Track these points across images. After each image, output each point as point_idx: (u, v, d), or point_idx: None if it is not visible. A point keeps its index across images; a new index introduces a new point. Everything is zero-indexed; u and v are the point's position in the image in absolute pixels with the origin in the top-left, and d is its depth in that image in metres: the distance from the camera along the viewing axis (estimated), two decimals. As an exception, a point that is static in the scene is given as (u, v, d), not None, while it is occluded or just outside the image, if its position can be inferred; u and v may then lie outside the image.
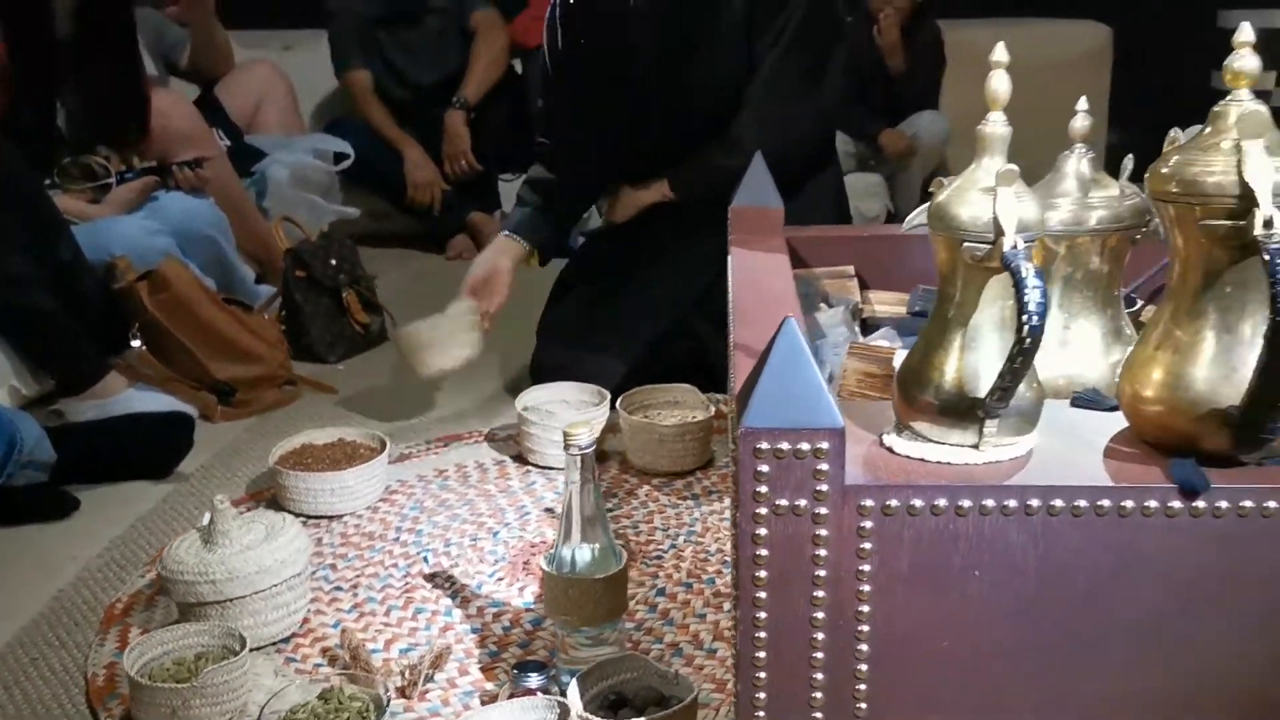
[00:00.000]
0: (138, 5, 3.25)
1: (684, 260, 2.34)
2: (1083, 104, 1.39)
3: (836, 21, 2.33)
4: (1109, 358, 1.31)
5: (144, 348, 2.37)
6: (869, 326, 1.71)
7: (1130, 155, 1.40)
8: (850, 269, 1.89)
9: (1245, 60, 1.00)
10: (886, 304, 1.79)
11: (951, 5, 4.12)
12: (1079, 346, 1.33)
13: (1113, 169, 1.40)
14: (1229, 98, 1.02)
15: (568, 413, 2.09)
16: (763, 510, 1.00)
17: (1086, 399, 1.19)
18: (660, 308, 2.34)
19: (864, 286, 1.87)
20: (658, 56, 2.29)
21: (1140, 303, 1.57)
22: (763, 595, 1.01)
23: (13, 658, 1.52)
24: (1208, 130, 1.02)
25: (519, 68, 3.97)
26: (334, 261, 2.78)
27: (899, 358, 1.28)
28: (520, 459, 2.08)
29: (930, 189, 1.13)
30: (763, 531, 1.00)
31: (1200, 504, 0.98)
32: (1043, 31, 4.18)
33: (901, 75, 3.87)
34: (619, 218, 2.47)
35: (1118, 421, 1.11)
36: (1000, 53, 1.05)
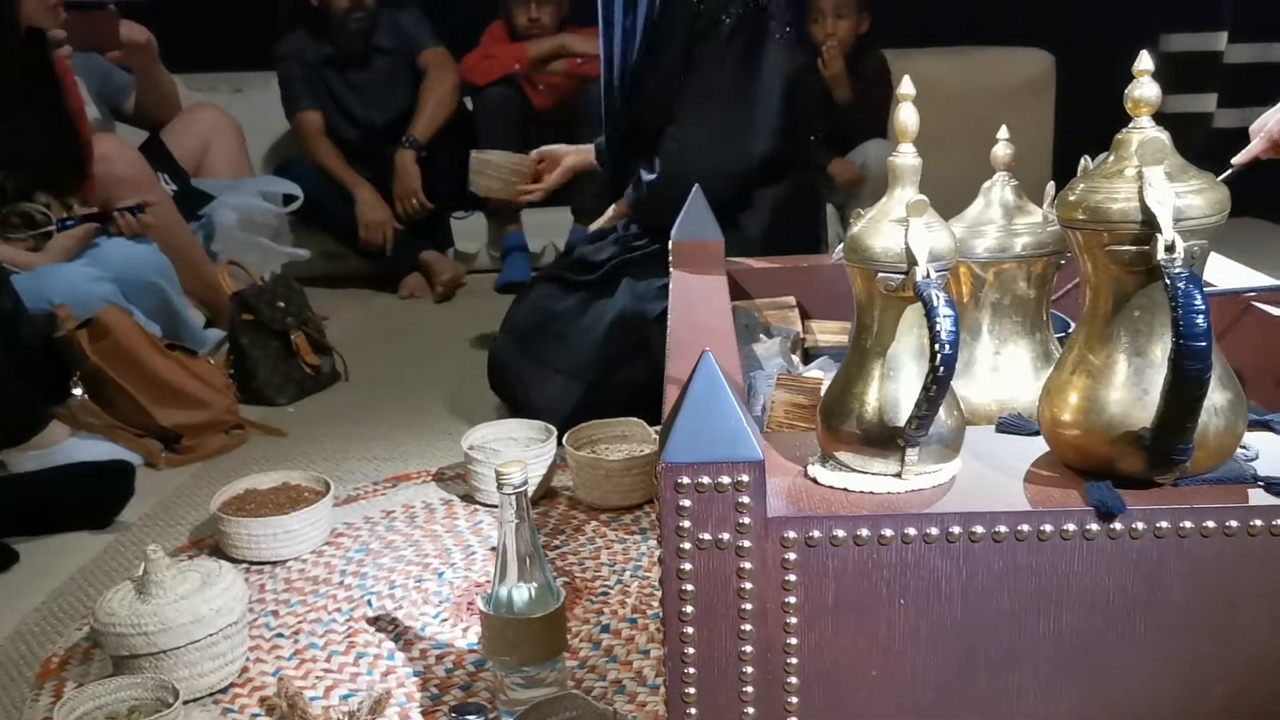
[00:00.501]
0: (81, 51, 3.25)
1: (638, 284, 2.35)
2: (1003, 132, 1.41)
3: (767, 57, 2.35)
4: (1039, 381, 1.32)
5: (86, 396, 2.36)
6: (810, 356, 1.72)
7: (1052, 182, 1.42)
8: (791, 299, 1.91)
9: (1145, 88, 1.03)
10: (829, 333, 1.81)
11: (898, 35, 4.16)
12: (1009, 371, 1.34)
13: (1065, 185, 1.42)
14: (1131, 125, 1.04)
15: (514, 449, 2.09)
16: (686, 545, 1.00)
17: (1010, 424, 1.20)
18: (615, 332, 2.35)
19: (806, 316, 1.88)
20: (627, 74, 2.37)
21: (1073, 326, 1.59)
22: (690, 630, 1.02)
23: (-53, 716, 1.50)
24: (1111, 158, 1.04)
25: (469, 105, 3.98)
26: (281, 304, 2.77)
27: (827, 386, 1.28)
28: (468, 498, 2.07)
29: (853, 219, 1.15)
30: (687, 566, 1.00)
31: (1117, 526, 0.99)
32: (987, 59, 4.23)
33: (848, 105, 3.90)
34: (595, 225, 2.57)
35: (1039, 446, 1.13)
36: (906, 86, 1.07)
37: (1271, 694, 1.03)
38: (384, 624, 1.66)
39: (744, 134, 2.34)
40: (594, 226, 2.58)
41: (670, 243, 2.02)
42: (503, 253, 3.92)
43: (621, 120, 2.44)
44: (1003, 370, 1.34)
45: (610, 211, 2.53)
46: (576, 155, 2.75)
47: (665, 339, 2.30)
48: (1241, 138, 1.61)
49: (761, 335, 1.75)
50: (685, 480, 0.99)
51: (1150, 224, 0.97)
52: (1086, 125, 4.09)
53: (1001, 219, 1.35)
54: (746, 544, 1.00)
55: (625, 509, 1.99)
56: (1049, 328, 1.39)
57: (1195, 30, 4.45)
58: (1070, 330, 1.53)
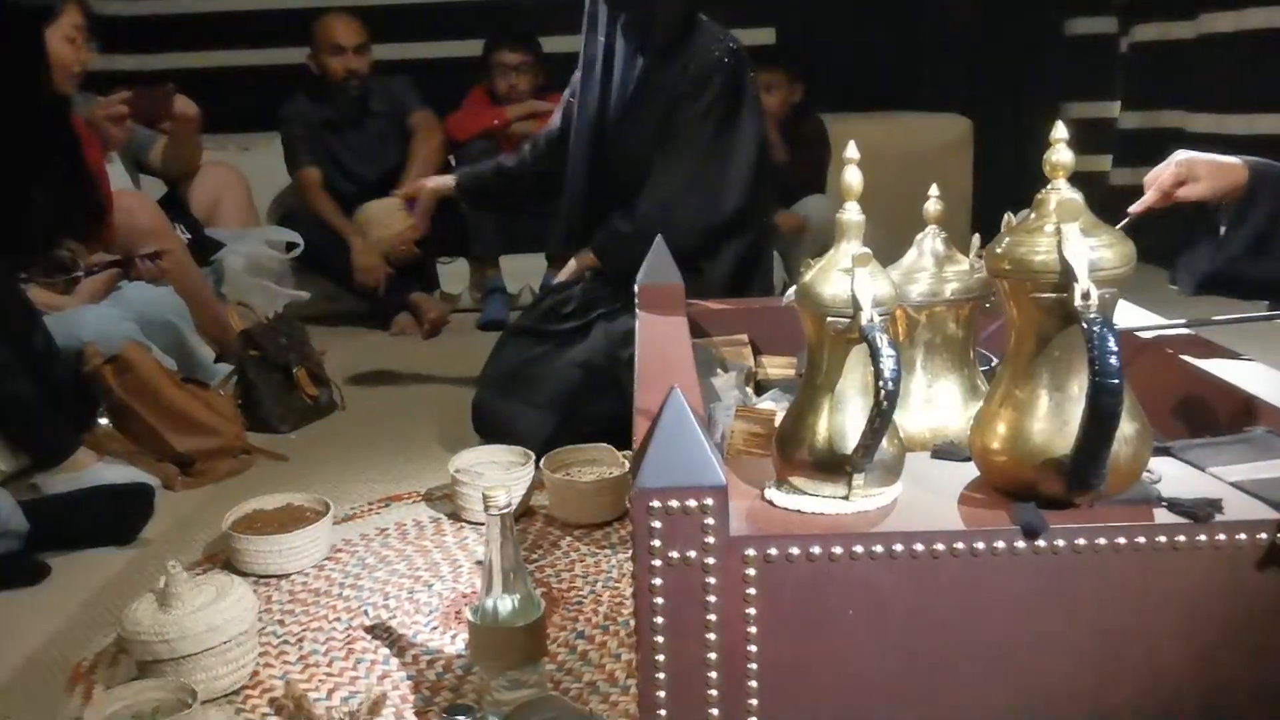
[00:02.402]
0: (140, 123, 3.23)
1: (608, 328, 2.35)
2: (934, 190, 1.42)
3: (739, 129, 2.37)
4: (966, 412, 1.33)
5: (110, 424, 2.34)
6: (762, 388, 1.72)
7: (978, 234, 1.43)
8: (744, 337, 1.91)
9: (1062, 154, 1.04)
10: (778, 367, 1.80)
11: (837, 101, 4.20)
12: (941, 402, 1.35)
13: (986, 237, 1.43)
14: (1049, 186, 1.05)
15: (496, 473, 2.07)
16: (657, 562, 0.99)
17: (944, 451, 1.20)
18: (587, 368, 2.34)
19: (757, 352, 1.88)
20: (600, 137, 2.38)
21: (995, 361, 1.60)
22: (660, 640, 1.01)
23: (-18, 718, 1.46)
24: (1033, 215, 1.05)
25: (453, 161, 3.98)
26: (284, 341, 2.75)
27: (781, 418, 1.28)
28: (454, 516, 2.05)
29: (803, 268, 1.15)
30: (658, 581, 1.00)
31: (1041, 543, 1.00)
32: (914, 124, 4.28)
33: (788, 164, 3.92)
34: (561, 277, 2.51)
35: (970, 471, 1.13)
36: (851, 150, 1.07)
37: (1174, 689, 1.04)
38: (380, 632, 1.63)
39: (718, 190, 2.35)
40: (560, 278, 2.54)
41: (636, 286, 2.02)
42: (484, 294, 3.91)
43: (592, 175, 2.43)
44: (935, 402, 1.35)
45: (573, 264, 2.50)
46: (435, 181, 2.79)
47: (633, 377, 2.32)
48: (1134, 194, 1.63)
49: (718, 370, 1.74)
50: (656, 504, 0.98)
51: (1068, 274, 0.98)
52: (1001, 182, 4.18)
53: (933, 267, 1.36)
54: (711, 561, 0.99)
55: (597, 525, 1.98)
56: (975, 364, 1.39)
57: (1092, 100, 4.53)
58: (993, 365, 1.55)
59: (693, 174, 2.30)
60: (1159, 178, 1.66)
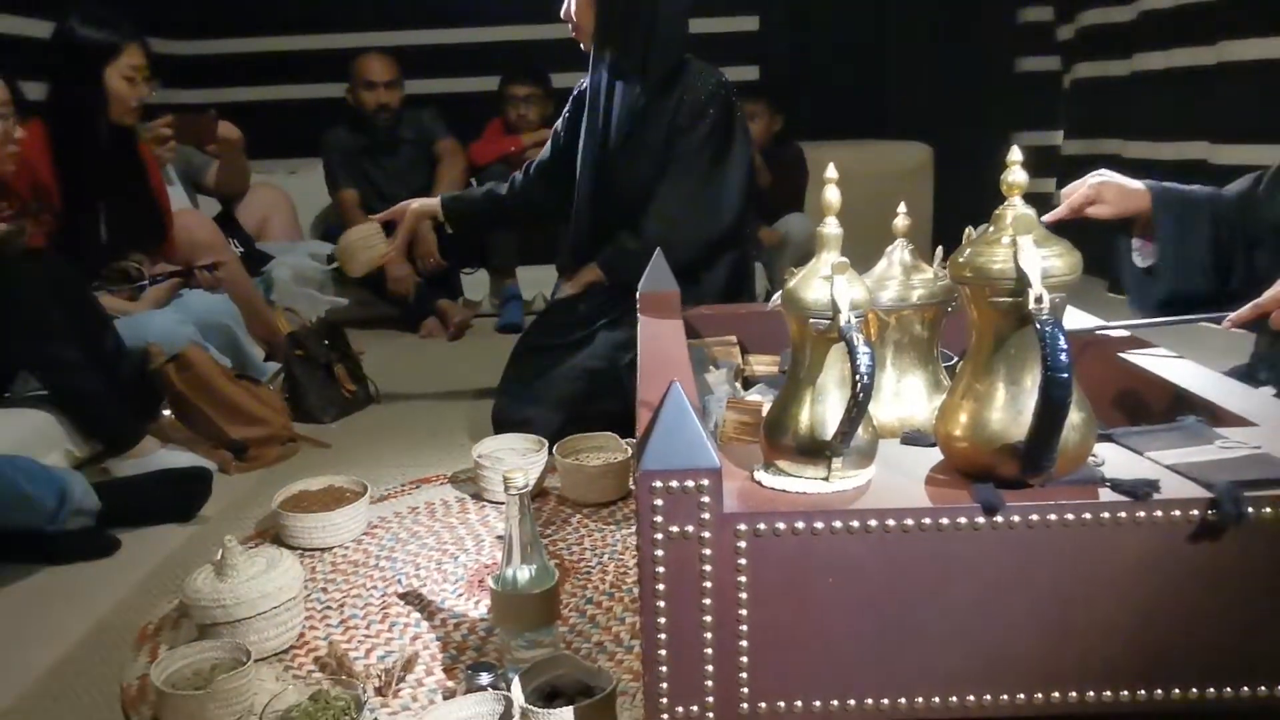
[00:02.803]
0: (185, 144, 3.22)
1: (610, 331, 2.34)
2: (902, 208, 1.42)
3: (733, 151, 2.37)
4: (931, 403, 1.33)
5: (172, 416, 2.34)
6: (749, 382, 1.72)
7: (941, 246, 1.43)
8: (733, 338, 1.90)
9: (1017, 174, 1.03)
10: (763, 364, 1.80)
11: (814, 130, 4.20)
12: (908, 395, 1.34)
13: (947, 249, 1.42)
14: (1006, 203, 1.04)
15: (514, 458, 2.07)
16: (659, 535, 0.99)
17: (912, 438, 1.20)
18: (592, 370, 2.34)
19: (745, 351, 1.87)
20: (607, 157, 2.36)
21: (955, 359, 1.59)
22: (662, 604, 1.00)
23: (62, 672, 1.46)
24: (991, 229, 1.05)
25: (474, 183, 3.97)
26: (326, 342, 2.76)
27: (767, 409, 1.28)
28: (477, 496, 2.05)
29: (786, 277, 1.14)
30: (659, 553, 0.99)
31: (998, 519, 0.99)
32: (882, 150, 4.28)
33: (771, 186, 3.92)
34: (569, 290, 2.47)
35: (935, 455, 1.12)
36: (831, 171, 1.06)
37: (1116, 649, 1.03)
38: (411, 598, 1.63)
39: (715, 209, 2.35)
40: (568, 291, 2.49)
41: (638, 294, 2.02)
42: (502, 301, 3.90)
43: (597, 199, 2.42)
44: (903, 394, 1.34)
45: (581, 278, 2.46)
46: (420, 204, 2.61)
47: (634, 378, 2.31)
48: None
49: (711, 367, 1.74)
50: (658, 484, 0.98)
51: (1023, 281, 0.97)
52: (957, 202, 4.18)
53: (901, 275, 1.36)
54: (707, 534, 0.99)
55: (603, 504, 1.97)
56: (938, 361, 1.39)
57: (1039, 129, 4.53)
58: (953, 362, 1.55)
59: (693, 195, 2.30)
60: (1072, 196, 1.67)
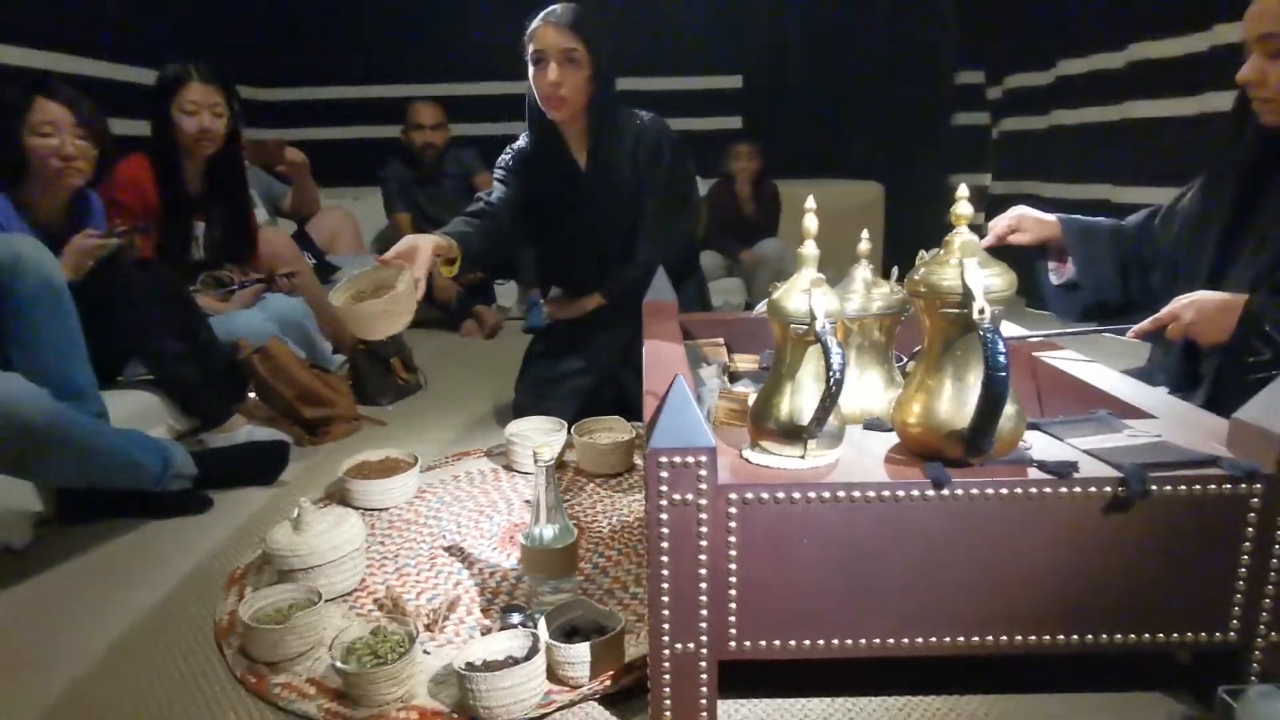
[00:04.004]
0: (254, 167, 3.21)
1: (608, 337, 2.32)
2: (865, 234, 1.41)
3: (687, 183, 2.32)
4: (887, 396, 1.32)
5: (257, 398, 2.32)
6: (735, 377, 1.71)
7: (896, 267, 1.42)
8: (721, 340, 1.90)
9: (963, 208, 1.02)
10: (745, 362, 1.79)
11: (785, 170, 4.20)
12: (868, 389, 1.33)
13: (899, 272, 1.42)
14: (954, 231, 1.04)
15: (539, 436, 2.05)
16: (664, 503, 0.98)
17: (873, 424, 1.19)
18: (596, 369, 2.32)
19: (731, 351, 1.87)
20: (587, 206, 2.26)
21: (905, 359, 1.58)
22: (665, 559, 1.00)
23: (165, 609, 1.45)
24: (941, 252, 1.04)
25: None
26: (385, 338, 2.73)
27: (752, 399, 1.27)
28: (508, 468, 2.03)
29: (769, 290, 1.14)
30: (664, 516, 0.99)
31: (945, 492, 0.99)
32: (840, 188, 4.26)
33: (752, 216, 3.92)
34: (566, 317, 2.37)
35: (892, 439, 1.12)
36: (810, 202, 1.06)
37: (1039, 601, 1.03)
38: (454, 551, 1.62)
39: (690, 220, 2.31)
40: (570, 315, 2.35)
41: (643, 305, 2.01)
42: (527, 306, 3.89)
43: (585, 238, 2.27)
44: (863, 388, 1.34)
45: (583, 304, 2.32)
46: (430, 242, 1.90)
47: (631, 374, 2.30)
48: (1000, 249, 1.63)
49: (703, 363, 1.73)
50: (664, 460, 0.97)
51: (968, 296, 0.97)
52: (903, 231, 4.17)
53: (863, 290, 1.35)
54: (703, 502, 0.98)
55: (612, 475, 1.96)
56: (892, 361, 1.38)
57: (971, 172, 4.52)
58: (904, 362, 1.54)
59: (674, 216, 2.24)
60: (996, 227, 1.67)
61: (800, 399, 1.04)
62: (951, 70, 4.54)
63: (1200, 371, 1.56)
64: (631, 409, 2.24)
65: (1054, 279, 1.70)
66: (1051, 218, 1.69)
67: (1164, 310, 1.45)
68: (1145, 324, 1.46)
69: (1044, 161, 3.87)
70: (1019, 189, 4.04)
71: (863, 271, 1.38)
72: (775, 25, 4.52)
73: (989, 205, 4.37)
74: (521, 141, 2.28)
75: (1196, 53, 2.86)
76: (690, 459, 0.97)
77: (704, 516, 0.98)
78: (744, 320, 2.01)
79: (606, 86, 2.14)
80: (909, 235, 3.58)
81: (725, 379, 1.65)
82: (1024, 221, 1.66)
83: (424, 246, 1.87)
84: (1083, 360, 1.48)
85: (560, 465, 2.03)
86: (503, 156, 2.29)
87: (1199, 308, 1.41)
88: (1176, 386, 1.50)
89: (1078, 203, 3.51)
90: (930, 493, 0.99)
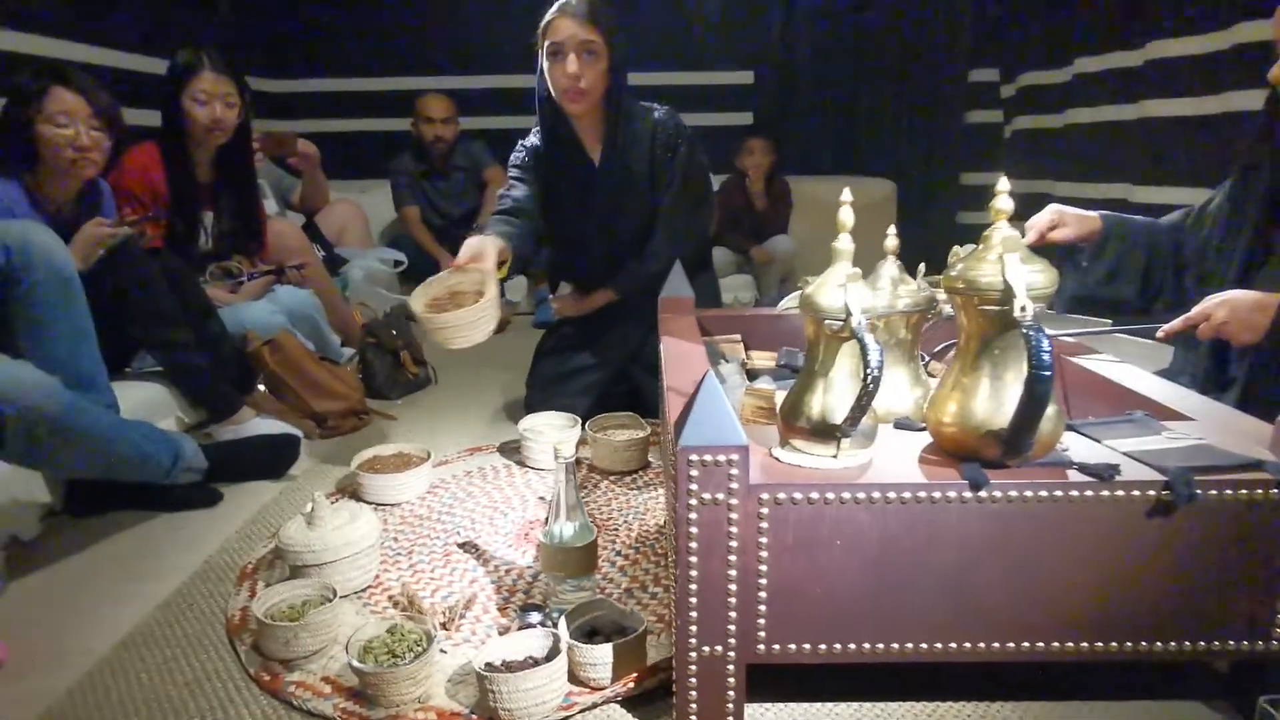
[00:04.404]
0: (269, 160, 3.18)
1: (620, 333, 2.30)
2: (892, 230, 1.38)
3: (702, 178, 2.28)
4: (912, 394, 1.29)
5: (266, 390, 2.29)
6: (752, 374, 1.68)
7: (924, 263, 1.39)
8: (738, 336, 1.87)
9: (1004, 201, 1.00)
10: (763, 359, 1.76)
11: (798, 167, 4.16)
12: (893, 388, 1.30)
13: (908, 269, 1.39)
14: (993, 226, 1.01)
15: (553, 432, 2.03)
16: (694, 502, 0.95)
17: (903, 423, 1.17)
18: (608, 365, 2.29)
19: (747, 348, 1.84)
20: (601, 200, 2.22)
21: (927, 359, 1.56)
22: (694, 559, 0.97)
23: (174, 604, 1.42)
24: (980, 247, 1.01)
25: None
26: (394, 332, 2.71)
27: (778, 396, 1.24)
28: (522, 464, 2.01)
29: (799, 285, 1.11)
30: (694, 516, 0.96)
31: (982, 494, 0.96)
32: (853, 185, 4.18)
33: (764, 212, 3.88)
34: (574, 313, 2.34)
35: (924, 439, 1.09)
36: (846, 194, 1.03)
37: (1080, 604, 1.00)
38: (469, 548, 1.59)
39: (703, 214, 2.27)
40: (580, 312, 2.32)
41: (659, 300, 1.98)
42: (536, 301, 3.86)
43: (600, 236, 2.24)
44: (889, 386, 1.30)
45: (593, 299, 2.29)
46: (495, 244, 1.89)
47: (643, 367, 2.27)
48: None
49: (721, 360, 1.70)
50: (694, 458, 0.94)
51: (1009, 292, 0.94)
52: (915, 229, 4.12)
53: (889, 287, 1.32)
54: (734, 502, 0.96)
55: (627, 472, 1.93)
56: (918, 359, 1.35)
57: (982, 171, 4.49)
58: (926, 361, 1.51)
59: (688, 209, 2.21)
60: (1038, 223, 1.63)
61: (833, 397, 1.01)
62: (965, 68, 4.50)
63: (1230, 373, 1.53)
64: (645, 405, 2.22)
65: (1082, 264, 1.68)
66: (1093, 214, 1.67)
67: (1194, 309, 1.42)
68: (1175, 323, 1.43)
69: (1058, 160, 3.83)
70: (1032, 188, 4.00)
71: (889, 268, 1.35)
72: (787, 20, 4.48)
73: (1001, 204, 4.35)
74: (533, 138, 2.24)
75: (1219, 51, 2.83)
76: (722, 458, 0.94)
77: (734, 517, 0.96)
78: (760, 316, 1.98)
79: (622, 78, 2.11)
80: (921, 233, 3.54)
81: (744, 375, 1.62)
82: (1065, 217, 1.63)
83: (490, 250, 1.87)
84: (1110, 361, 1.45)
85: (574, 462, 2.00)
86: (515, 154, 2.26)
87: (1232, 307, 1.38)
88: (1204, 389, 1.47)
89: (1092, 202, 3.46)
90: (967, 495, 0.96)
